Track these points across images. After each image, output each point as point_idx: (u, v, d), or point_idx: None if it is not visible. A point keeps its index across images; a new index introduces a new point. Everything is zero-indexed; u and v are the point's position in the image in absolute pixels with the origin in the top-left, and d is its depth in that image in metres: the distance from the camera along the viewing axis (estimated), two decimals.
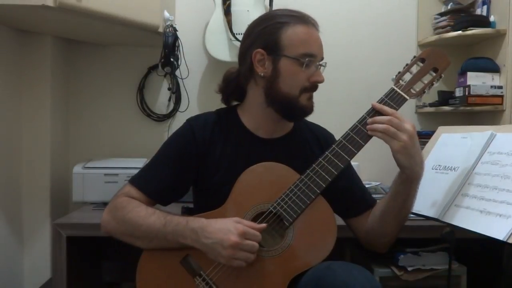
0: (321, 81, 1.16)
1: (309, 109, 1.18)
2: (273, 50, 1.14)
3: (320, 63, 1.17)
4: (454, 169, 1.24)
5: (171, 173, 1.18)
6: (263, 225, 1.05)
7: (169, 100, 2.18)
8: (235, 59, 1.95)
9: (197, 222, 1.06)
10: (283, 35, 1.13)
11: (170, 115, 2.18)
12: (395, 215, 1.15)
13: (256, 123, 1.22)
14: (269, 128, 1.22)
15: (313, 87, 1.17)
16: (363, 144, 1.09)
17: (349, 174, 1.24)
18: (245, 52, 1.18)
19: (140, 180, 1.19)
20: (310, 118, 1.30)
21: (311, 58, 1.13)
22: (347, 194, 1.22)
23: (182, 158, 1.18)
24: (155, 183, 1.18)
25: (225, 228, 1.02)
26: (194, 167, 1.19)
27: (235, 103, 1.29)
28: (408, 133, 1.05)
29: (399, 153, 1.05)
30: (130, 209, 1.12)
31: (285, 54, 1.13)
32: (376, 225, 1.19)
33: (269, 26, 1.15)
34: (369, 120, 1.09)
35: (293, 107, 1.16)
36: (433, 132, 1.46)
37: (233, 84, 1.24)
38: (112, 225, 1.14)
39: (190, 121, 1.24)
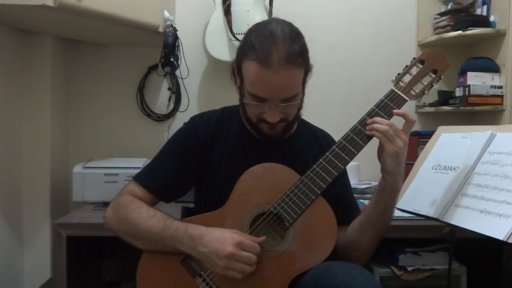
0: (271, 123, 1.10)
1: (272, 136, 1.16)
2: (239, 72, 1.13)
3: (289, 103, 1.08)
4: (454, 169, 1.24)
5: (174, 170, 1.18)
6: (263, 238, 1.05)
7: (169, 100, 2.18)
8: None
9: (196, 229, 1.06)
10: (243, 65, 1.09)
11: (170, 115, 2.18)
12: (372, 226, 1.14)
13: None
14: None
15: (269, 122, 1.11)
16: (363, 145, 1.09)
17: (342, 183, 1.23)
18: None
19: (144, 177, 1.20)
20: (309, 117, 1.31)
21: (258, 101, 1.08)
22: (335, 202, 1.17)
23: (185, 155, 1.19)
24: (159, 180, 1.18)
25: (222, 238, 1.02)
26: (197, 164, 1.19)
27: None
28: (403, 141, 1.06)
29: (391, 157, 1.05)
30: (132, 209, 1.12)
31: (243, 82, 1.11)
32: (352, 237, 1.17)
33: (241, 49, 1.11)
34: (369, 120, 1.09)
35: (255, 130, 1.17)
36: (433, 132, 1.46)
37: None
38: (113, 222, 1.15)
39: (194, 119, 1.24)
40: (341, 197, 1.22)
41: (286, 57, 1.03)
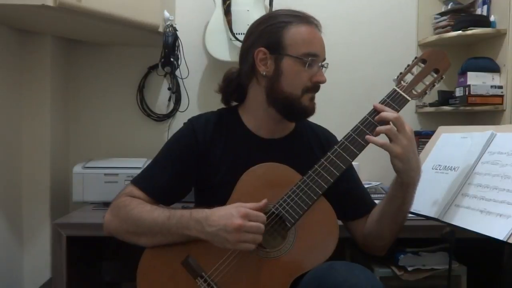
0: (323, 81, 1.16)
1: (310, 110, 1.18)
2: (275, 49, 1.14)
3: (322, 63, 1.17)
4: (454, 169, 1.24)
5: (173, 173, 1.18)
6: (263, 201, 1.05)
7: (169, 100, 2.18)
8: (235, 59, 1.95)
9: (201, 212, 1.06)
10: (286, 34, 1.14)
11: (170, 115, 2.18)
12: (391, 219, 1.15)
13: (257, 123, 1.22)
14: (270, 128, 1.22)
15: (315, 87, 1.17)
16: (365, 145, 1.09)
17: (350, 177, 1.24)
18: (247, 50, 1.19)
19: (142, 180, 1.19)
20: (310, 118, 1.31)
21: (314, 58, 1.14)
22: (347, 196, 1.21)
23: (184, 158, 1.18)
24: (158, 183, 1.18)
25: (228, 213, 1.02)
26: (196, 167, 1.19)
27: (234, 103, 1.29)
28: (407, 137, 1.05)
29: (397, 159, 1.05)
30: (134, 206, 1.12)
31: (287, 53, 1.13)
32: (373, 228, 1.19)
33: (272, 25, 1.16)
34: (377, 117, 1.08)
35: (294, 108, 1.16)
36: (433, 132, 1.46)
37: (234, 84, 1.24)
38: (114, 224, 1.14)
39: (192, 121, 1.24)
40: (352, 191, 1.24)
41: (319, 23, 1.19)
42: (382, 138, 1.08)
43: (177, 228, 1.07)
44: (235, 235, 1.00)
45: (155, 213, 1.10)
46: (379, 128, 1.07)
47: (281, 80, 1.14)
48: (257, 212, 1.03)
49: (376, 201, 1.26)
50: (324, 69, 1.18)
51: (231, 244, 1.02)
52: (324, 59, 1.18)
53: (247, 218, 1.01)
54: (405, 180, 1.08)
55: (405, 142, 1.05)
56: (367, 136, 1.07)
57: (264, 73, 1.16)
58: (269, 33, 1.15)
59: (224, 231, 1.01)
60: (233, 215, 1.01)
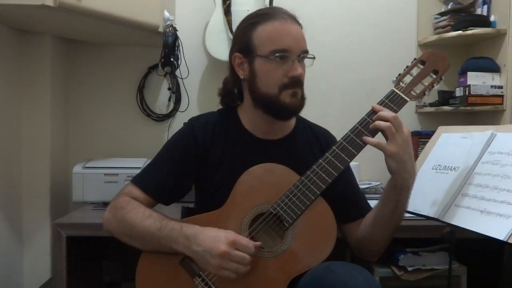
0: (299, 75, 1.13)
1: (293, 107, 1.15)
2: (247, 51, 1.15)
3: (301, 56, 1.14)
4: (454, 169, 1.24)
5: (173, 173, 1.18)
6: (258, 243, 1.04)
7: (169, 100, 2.18)
8: None
9: (191, 229, 1.06)
10: (254, 35, 1.14)
11: (170, 115, 2.18)
12: (385, 222, 1.14)
13: (253, 124, 1.22)
14: (265, 129, 1.22)
15: (294, 82, 1.13)
16: (363, 146, 1.09)
17: (346, 179, 1.23)
18: (229, 56, 1.21)
19: (142, 180, 1.20)
20: (310, 118, 1.31)
21: (282, 53, 1.11)
22: (342, 198, 1.20)
23: (184, 158, 1.19)
24: (157, 183, 1.18)
25: (216, 237, 1.02)
26: (196, 167, 1.19)
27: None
28: (403, 138, 1.05)
29: (391, 158, 1.05)
30: (129, 210, 1.12)
31: (257, 54, 1.13)
32: (366, 232, 1.18)
33: (244, 28, 1.17)
34: (375, 116, 1.08)
35: (274, 106, 1.15)
36: (433, 132, 1.46)
37: (229, 86, 1.26)
38: (112, 224, 1.15)
39: (192, 121, 1.24)
40: (347, 194, 1.23)
41: (292, 16, 1.15)
42: (379, 139, 1.08)
43: (166, 241, 1.07)
44: (218, 260, 1.00)
45: (147, 222, 1.09)
46: (379, 122, 1.06)
47: (257, 82, 1.15)
48: (246, 242, 1.02)
49: (375, 202, 1.26)
50: (311, 60, 1.16)
51: (213, 268, 1.02)
52: (305, 51, 1.14)
53: (234, 246, 1.00)
54: (399, 182, 1.08)
55: (401, 142, 1.04)
56: (364, 137, 1.07)
57: (242, 77, 1.17)
58: (241, 36, 1.17)
59: (209, 254, 1.01)
60: (221, 239, 1.01)
